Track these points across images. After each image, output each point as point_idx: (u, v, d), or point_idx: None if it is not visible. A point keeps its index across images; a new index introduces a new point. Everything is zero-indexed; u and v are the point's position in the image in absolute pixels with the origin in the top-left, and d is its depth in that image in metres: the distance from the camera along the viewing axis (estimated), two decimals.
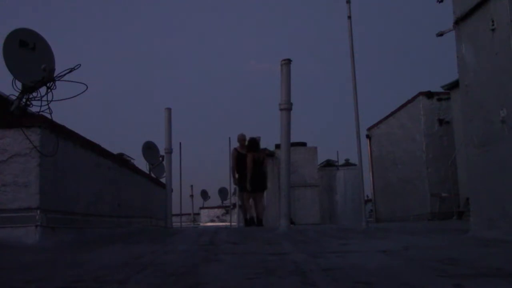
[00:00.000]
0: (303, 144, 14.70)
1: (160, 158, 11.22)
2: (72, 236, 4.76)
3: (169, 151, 9.45)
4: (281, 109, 6.22)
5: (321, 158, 16.20)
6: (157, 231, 8.04)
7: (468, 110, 5.01)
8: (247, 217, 10.38)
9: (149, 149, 11.38)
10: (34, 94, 4.73)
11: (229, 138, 13.42)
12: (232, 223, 16.09)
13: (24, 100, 4.70)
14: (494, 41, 4.48)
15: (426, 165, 10.67)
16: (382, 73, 54.34)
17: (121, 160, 7.50)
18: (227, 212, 23.63)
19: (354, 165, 15.47)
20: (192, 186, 25.73)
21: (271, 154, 13.39)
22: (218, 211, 26.61)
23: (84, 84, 4.88)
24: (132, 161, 10.37)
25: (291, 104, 6.22)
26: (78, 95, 4.89)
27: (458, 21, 5.06)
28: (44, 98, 4.72)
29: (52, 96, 4.75)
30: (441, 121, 10.79)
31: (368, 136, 14.08)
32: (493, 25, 4.47)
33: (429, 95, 10.93)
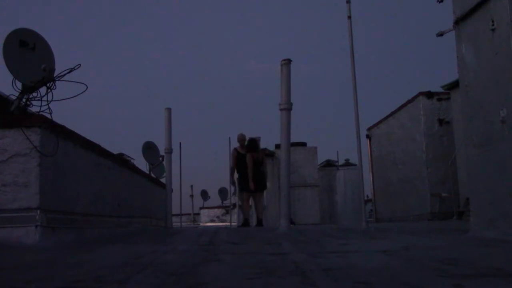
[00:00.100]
0: (303, 144, 14.70)
1: (160, 158, 11.21)
2: (72, 236, 4.76)
3: (169, 151, 9.45)
4: (281, 109, 6.22)
5: (321, 158, 16.23)
6: (157, 231, 8.04)
7: (468, 110, 5.01)
8: (246, 217, 10.40)
9: (149, 149, 11.38)
10: (34, 94, 4.73)
11: (229, 138, 13.43)
12: (232, 223, 16.08)
13: (24, 100, 4.70)
14: (494, 41, 4.48)
15: (426, 165, 10.67)
16: (382, 73, 54.40)
17: (121, 160, 7.50)
18: (227, 212, 23.63)
19: (354, 165, 15.48)
20: (192, 186, 25.78)
21: (271, 154, 13.39)
22: (218, 211, 26.62)
23: (84, 84, 4.88)
24: (132, 161, 10.38)
25: (291, 104, 6.22)
26: (78, 95, 4.89)
27: (458, 21, 5.06)
28: (44, 98, 4.71)
29: (52, 96, 4.75)
30: (441, 121, 10.79)
31: (368, 136, 14.07)
32: (493, 25, 4.47)
33: (429, 95, 10.93)
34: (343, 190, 16.15)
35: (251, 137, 10.48)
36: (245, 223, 10.16)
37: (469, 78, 4.94)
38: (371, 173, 13.86)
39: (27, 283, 2.43)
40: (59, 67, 4.92)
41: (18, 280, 2.56)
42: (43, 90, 4.75)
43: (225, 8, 60.98)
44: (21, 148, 4.27)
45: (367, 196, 14.58)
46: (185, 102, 51.00)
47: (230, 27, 62.31)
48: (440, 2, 5.50)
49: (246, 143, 10.37)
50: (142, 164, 10.99)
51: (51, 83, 4.77)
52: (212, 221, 25.20)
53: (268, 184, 11.30)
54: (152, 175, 10.99)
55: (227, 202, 23.72)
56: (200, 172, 44.98)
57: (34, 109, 4.76)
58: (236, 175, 10.70)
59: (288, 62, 6.23)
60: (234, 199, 16.29)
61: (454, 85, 9.13)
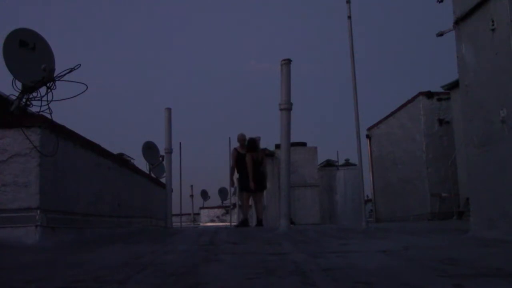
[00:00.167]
0: (303, 144, 14.69)
1: (160, 158, 11.22)
2: (72, 236, 4.76)
3: (169, 151, 9.45)
4: (281, 109, 6.22)
5: (321, 158, 16.21)
6: (157, 231, 8.04)
7: (468, 110, 5.01)
8: (246, 217, 10.40)
9: (149, 149, 11.38)
10: (34, 94, 4.73)
11: (229, 138, 13.44)
12: (232, 223, 16.08)
13: (24, 100, 4.70)
14: (494, 41, 4.48)
15: (426, 165, 10.67)
16: (382, 73, 54.42)
17: (121, 160, 7.50)
18: (227, 212, 23.63)
19: (354, 165, 15.46)
20: (192, 186, 25.77)
21: (271, 154, 13.39)
22: (218, 211, 26.62)
23: (84, 84, 4.89)
24: (132, 161, 10.36)
25: (291, 104, 6.22)
26: (78, 95, 4.90)
27: (458, 21, 5.06)
28: (44, 98, 4.72)
29: (52, 96, 4.75)
30: (441, 121, 10.79)
31: (368, 136, 14.07)
32: (493, 25, 4.47)
33: (429, 95, 10.93)
34: (343, 190, 16.14)
35: (251, 137, 10.48)
36: (244, 223, 10.15)
37: (469, 78, 4.94)
38: (371, 173, 13.86)
39: (27, 283, 2.43)
40: (59, 67, 4.93)
41: (18, 280, 2.56)
42: (43, 90, 4.76)
43: (225, 8, 61.01)
44: (21, 148, 4.27)
45: (367, 196, 14.57)
46: (185, 102, 51.03)
47: (230, 27, 62.33)
48: (440, 2, 5.50)
49: (246, 143, 10.37)
50: (142, 164, 11.01)
51: (51, 83, 4.77)
52: (212, 221, 25.20)
53: (268, 184, 11.29)
54: (152, 175, 10.99)
55: (227, 202, 23.73)
56: (200, 172, 45.05)
57: (34, 109, 4.76)
58: (236, 175, 10.70)
59: (288, 62, 6.23)
60: (234, 199, 16.30)
61: (454, 85, 9.12)
